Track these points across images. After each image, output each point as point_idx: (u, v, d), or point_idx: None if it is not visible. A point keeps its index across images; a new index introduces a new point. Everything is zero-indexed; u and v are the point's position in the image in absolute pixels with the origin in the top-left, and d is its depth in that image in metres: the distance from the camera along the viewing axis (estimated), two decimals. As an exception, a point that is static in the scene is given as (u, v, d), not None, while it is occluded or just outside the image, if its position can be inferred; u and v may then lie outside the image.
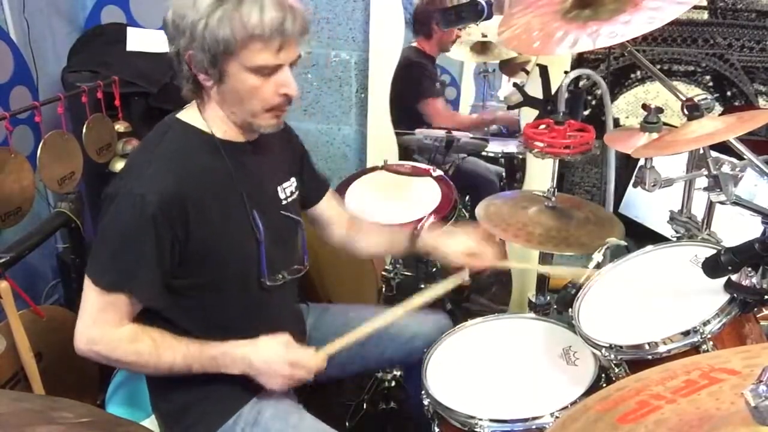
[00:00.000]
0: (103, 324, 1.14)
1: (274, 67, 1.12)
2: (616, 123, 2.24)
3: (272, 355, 1.20)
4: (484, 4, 1.63)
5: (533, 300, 1.73)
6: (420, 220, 1.72)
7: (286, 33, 1.09)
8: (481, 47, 2.50)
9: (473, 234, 1.42)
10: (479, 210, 1.63)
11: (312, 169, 1.48)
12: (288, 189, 1.35)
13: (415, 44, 2.41)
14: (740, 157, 1.12)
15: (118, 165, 2.05)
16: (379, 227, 1.56)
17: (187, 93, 1.20)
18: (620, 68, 2.17)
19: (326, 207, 1.50)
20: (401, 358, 1.46)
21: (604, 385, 1.19)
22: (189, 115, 1.22)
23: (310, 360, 1.23)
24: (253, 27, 1.06)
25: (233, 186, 1.20)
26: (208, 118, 1.20)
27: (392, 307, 1.32)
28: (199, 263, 1.18)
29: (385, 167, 1.96)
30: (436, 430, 1.24)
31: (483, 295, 2.55)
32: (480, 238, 1.41)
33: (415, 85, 2.35)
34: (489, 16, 1.66)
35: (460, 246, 1.40)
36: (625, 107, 2.22)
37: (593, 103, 2.22)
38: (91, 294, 1.14)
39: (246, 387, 1.25)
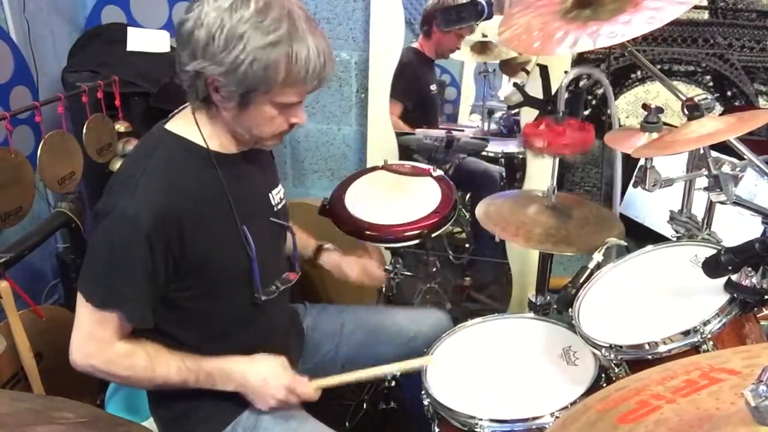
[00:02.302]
0: (98, 340, 1.14)
1: (296, 103, 1.15)
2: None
3: (271, 376, 1.21)
4: (484, 4, 1.64)
5: (533, 300, 1.73)
6: (420, 220, 1.72)
7: (321, 79, 1.12)
8: (481, 47, 2.50)
9: (365, 258, 1.59)
10: (479, 210, 1.63)
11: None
12: (278, 195, 1.35)
13: (414, 45, 2.41)
14: (740, 157, 1.12)
15: (118, 165, 2.04)
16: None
17: (195, 108, 1.18)
18: (620, 68, 2.17)
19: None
20: (401, 359, 1.46)
21: (604, 385, 1.19)
22: (180, 126, 1.19)
23: (304, 388, 1.24)
24: (297, 72, 1.07)
25: (225, 199, 1.18)
26: (206, 130, 1.18)
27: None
28: (194, 276, 1.17)
29: (385, 167, 1.96)
30: (436, 430, 1.24)
31: (483, 291, 2.55)
32: (372, 261, 1.58)
33: (394, 84, 2.34)
34: (489, 16, 1.66)
35: (353, 267, 1.55)
36: (626, 107, 2.22)
37: (593, 102, 2.22)
38: (83, 310, 1.13)
39: None
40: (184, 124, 1.19)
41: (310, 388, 1.24)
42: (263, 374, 1.21)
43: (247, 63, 1.04)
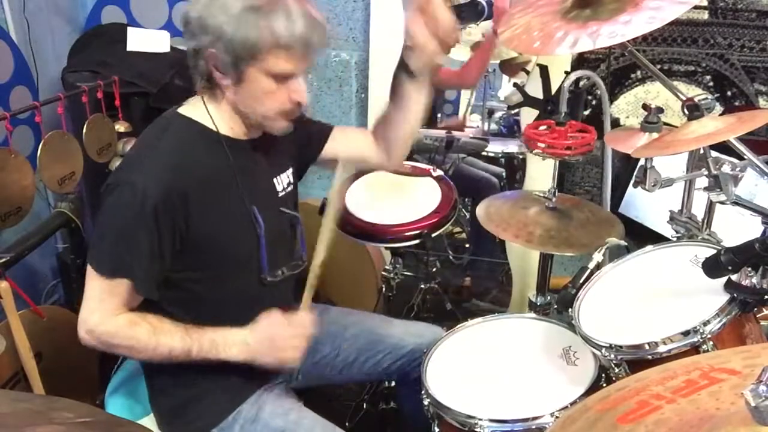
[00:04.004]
0: (103, 311, 1.15)
1: (291, 75, 1.16)
2: (617, 123, 2.24)
3: (268, 328, 1.20)
4: (484, 4, 1.63)
5: (533, 300, 1.73)
6: (420, 220, 1.72)
7: (310, 45, 1.14)
8: (482, 47, 2.49)
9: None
10: (479, 211, 1.63)
11: (310, 122, 1.46)
12: (285, 181, 1.36)
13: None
14: (740, 157, 1.12)
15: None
16: (385, 110, 1.44)
17: (201, 89, 1.21)
18: (620, 68, 2.17)
19: (343, 141, 1.48)
20: (398, 370, 1.47)
21: (604, 385, 1.19)
22: (192, 110, 1.23)
23: (301, 319, 1.22)
24: (282, 36, 1.10)
25: (234, 182, 1.21)
26: (215, 114, 1.21)
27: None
28: (199, 256, 1.19)
29: (385, 167, 1.96)
30: (436, 430, 1.24)
31: (483, 299, 2.56)
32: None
33: None
34: (489, 16, 1.66)
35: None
36: (626, 107, 2.22)
37: (593, 103, 2.22)
38: (93, 282, 1.15)
39: (247, 383, 1.25)
40: (195, 109, 1.23)
41: (305, 316, 1.23)
42: (262, 332, 1.20)
43: (232, 27, 1.09)
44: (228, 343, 1.19)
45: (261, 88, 1.15)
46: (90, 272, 1.15)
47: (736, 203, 1.08)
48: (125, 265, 1.14)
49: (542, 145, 1.49)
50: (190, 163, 1.17)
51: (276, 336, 1.20)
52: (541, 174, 2.09)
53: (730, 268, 0.96)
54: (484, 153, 2.49)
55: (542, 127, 1.56)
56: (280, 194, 1.34)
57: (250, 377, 1.25)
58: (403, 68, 1.35)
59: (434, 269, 2.40)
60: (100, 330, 1.16)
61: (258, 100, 1.17)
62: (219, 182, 1.20)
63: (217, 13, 1.10)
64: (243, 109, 1.20)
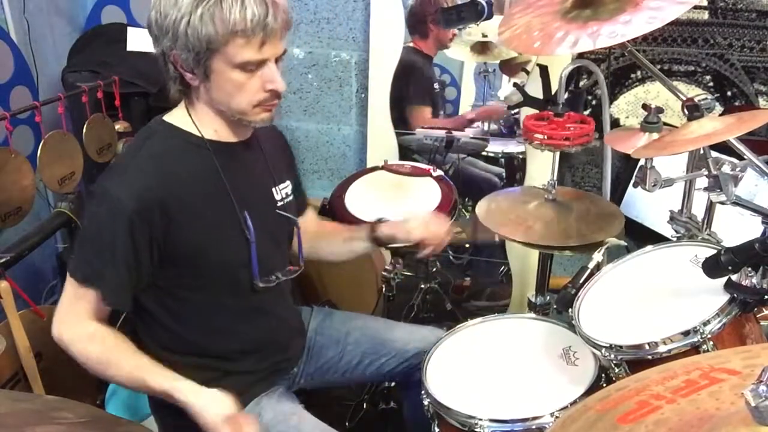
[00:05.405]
0: (72, 315, 1.15)
1: (259, 63, 1.12)
2: (617, 123, 2.24)
3: (212, 404, 1.09)
4: (484, 4, 1.64)
5: (533, 300, 1.73)
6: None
7: (268, 28, 1.08)
8: (481, 47, 2.50)
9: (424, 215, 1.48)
10: (480, 208, 1.63)
11: (299, 182, 1.47)
12: (284, 191, 1.34)
13: (411, 44, 2.40)
14: (740, 157, 1.12)
15: (118, 165, 2.05)
16: (337, 230, 1.52)
17: (175, 93, 1.19)
18: (620, 68, 2.17)
19: (306, 221, 1.48)
20: (401, 373, 1.46)
21: (604, 385, 1.19)
22: (176, 117, 1.21)
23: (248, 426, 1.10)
24: (235, 23, 1.06)
25: (222, 186, 1.19)
26: (197, 118, 1.20)
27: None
28: (187, 265, 1.18)
29: (385, 167, 1.96)
30: (436, 430, 1.24)
31: (483, 299, 2.55)
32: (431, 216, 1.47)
33: (405, 90, 2.33)
34: (489, 16, 1.66)
35: (417, 221, 1.42)
36: (626, 107, 2.22)
37: (593, 103, 2.22)
38: (68, 284, 1.16)
39: (247, 389, 1.24)
40: (180, 114, 1.21)
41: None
42: (206, 400, 1.10)
43: (184, 23, 1.06)
44: (168, 396, 1.11)
45: (230, 80, 1.12)
46: (67, 275, 1.16)
47: (736, 203, 1.08)
48: (95, 274, 1.13)
49: (541, 136, 1.49)
50: (171, 169, 1.15)
51: (211, 410, 1.08)
52: (540, 173, 2.09)
53: (730, 268, 0.96)
54: (484, 153, 2.49)
55: (541, 119, 1.56)
56: (279, 203, 1.32)
57: (249, 384, 1.24)
58: (371, 240, 1.43)
59: (434, 269, 2.40)
60: (64, 335, 1.15)
61: (229, 94, 1.14)
62: (205, 188, 1.18)
63: (169, 10, 1.07)
64: (217, 106, 1.17)
